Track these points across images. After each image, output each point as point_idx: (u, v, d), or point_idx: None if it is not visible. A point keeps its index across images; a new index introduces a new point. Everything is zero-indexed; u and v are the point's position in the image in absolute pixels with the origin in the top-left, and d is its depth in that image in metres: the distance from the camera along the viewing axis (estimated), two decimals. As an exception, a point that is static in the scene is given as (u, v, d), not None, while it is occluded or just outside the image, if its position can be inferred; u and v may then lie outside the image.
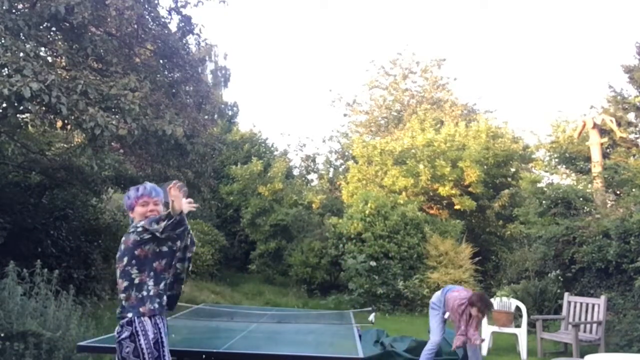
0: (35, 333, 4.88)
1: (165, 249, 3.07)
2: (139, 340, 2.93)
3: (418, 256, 12.59)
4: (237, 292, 13.52)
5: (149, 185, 3.27)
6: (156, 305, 3.01)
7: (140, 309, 2.97)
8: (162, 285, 3.06)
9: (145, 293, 3.00)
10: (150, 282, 3.02)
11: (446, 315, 5.79)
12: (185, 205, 3.05)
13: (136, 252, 3.01)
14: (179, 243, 3.11)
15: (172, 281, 3.21)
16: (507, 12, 37.49)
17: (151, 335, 2.94)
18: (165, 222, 2.95)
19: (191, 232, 3.23)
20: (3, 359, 4.70)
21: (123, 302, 3.02)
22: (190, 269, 3.27)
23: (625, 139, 14.11)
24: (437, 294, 6.02)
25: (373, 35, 38.35)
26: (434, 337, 5.86)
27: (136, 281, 3.00)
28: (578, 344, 7.11)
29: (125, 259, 3.03)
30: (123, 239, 3.12)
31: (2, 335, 4.74)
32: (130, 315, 2.97)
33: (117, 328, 3.04)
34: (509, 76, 38.73)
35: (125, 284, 3.02)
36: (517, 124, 35.55)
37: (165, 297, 3.08)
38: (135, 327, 2.94)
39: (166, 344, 3.00)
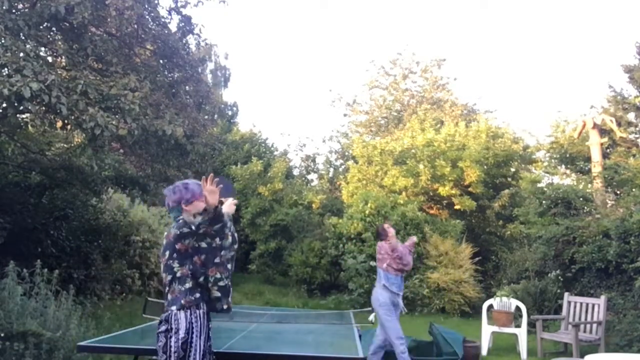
0: (35, 333, 4.87)
1: (204, 244, 3.05)
2: (170, 337, 2.95)
3: (418, 256, 12.58)
4: (237, 292, 13.52)
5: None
6: (197, 296, 3.01)
7: (182, 301, 2.99)
8: (201, 280, 3.04)
9: (187, 286, 3.01)
10: (191, 276, 3.03)
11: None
12: (226, 204, 3.09)
13: (177, 246, 3.02)
14: (217, 240, 3.07)
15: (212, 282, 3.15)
16: (507, 12, 37.51)
17: (181, 335, 2.95)
18: (201, 217, 2.97)
19: (234, 231, 3.19)
20: (3, 359, 4.70)
21: (168, 296, 3.05)
22: (231, 269, 3.18)
23: (625, 139, 14.12)
24: (381, 291, 6.13)
25: (373, 35, 38.39)
26: (399, 335, 5.93)
27: (178, 274, 3.02)
28: (578, 344, 7.11)
29: (167, 253, 3.04)
30: (165, 233, 3.14)
31: (2, 335, 4.74)
32: (173, 308, 2.99)
33: (160, 320, 3.07)
34: (509, 76, 38.77)
35: (169, 277, 3.04)
36: (517, 124, 35.57)
37: (206, 293, 3.06)
38: (171, 324, 2.96)
39: (198, 345, 2.97)
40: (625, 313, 7.86)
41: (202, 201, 3.08)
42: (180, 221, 3.06)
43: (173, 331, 2.95)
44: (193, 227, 3.00)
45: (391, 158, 15.14)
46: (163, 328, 2.99)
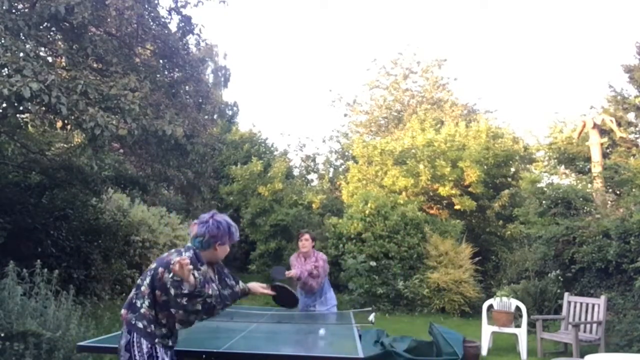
0: (35, 333, 4.87)
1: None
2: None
3: (418, 256, 12.58)
4: (237, 292, 13.51)
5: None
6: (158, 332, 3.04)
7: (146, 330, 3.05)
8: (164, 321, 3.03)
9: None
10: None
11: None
12: (255, 285, 3.42)
13: (156, 292, 2.97)
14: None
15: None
16: (507, 12, 37.51)
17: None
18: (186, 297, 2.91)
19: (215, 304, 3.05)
20: (3, 359, 4.70)
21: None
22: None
23: (625, 139, 14.13)
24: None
25: (374, 35, 38.39)
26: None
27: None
28: (578, 344, 7.11)
29: (148, 286, 3.01)
30: (157, 264, 3.02)
31: (2, 335, 4.74)
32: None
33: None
34: (509, 76, 38.78)
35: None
36: (517, 124, 35.60)
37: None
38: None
39: None
40: (625, 313, 7.87)
41: (228, 248, 3.11)
42: (178, 281, 2.90)
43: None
44: (196, 291, 2.90)
45: (391, 158, 15.13)
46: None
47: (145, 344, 2.94)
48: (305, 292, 6.21)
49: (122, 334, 3.02)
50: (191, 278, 2.87)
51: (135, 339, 2.95)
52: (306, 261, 6.21)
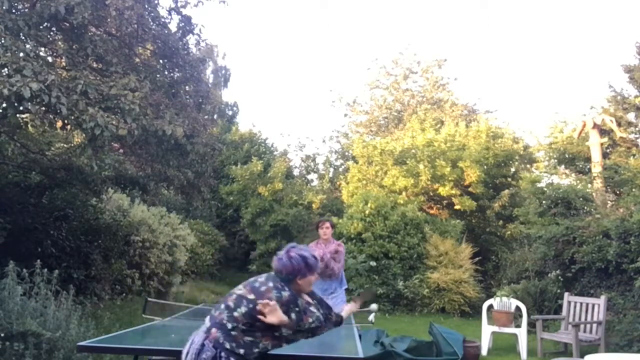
0: (35, 333, 4.87)
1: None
2: None
3: (418, 256, 12.59)
4: (237, 292, 13.50)
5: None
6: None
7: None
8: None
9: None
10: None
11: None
12: (349, 309, 3.41)
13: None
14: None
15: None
16: (507, 12, 37.50)
17: None
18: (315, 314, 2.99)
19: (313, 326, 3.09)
20: (3, 359, 4.70)
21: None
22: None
23: (625, 139, 14.13)
24: None
25: (374, 35, 38.37)
26: None
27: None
28: (578, 344, 7.11)
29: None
30: (254, 296, 2.97)
31: (2, 335, 4.74)
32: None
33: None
34: (509, 76, 38.77)
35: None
36: (517, 124, 35.59)
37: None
38: None
39: None
40: (625, 313, 7.86)
41: (316, 277, 3.08)
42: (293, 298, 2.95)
43: None
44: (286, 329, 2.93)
45: (391, 158, 15.14)
46: None
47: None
48: (326, 277, 6.34)
49: (204, 349, 2.92)
50: (284, 319, 2.89)
51: (223, 355, 2.89)
52: (326, 247, 6.46)
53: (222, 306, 3.02)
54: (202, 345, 2.92)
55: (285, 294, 2.97)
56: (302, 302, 3.04)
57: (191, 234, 12.82)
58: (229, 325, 2.94)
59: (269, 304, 2.84)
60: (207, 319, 3.07)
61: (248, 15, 43.59)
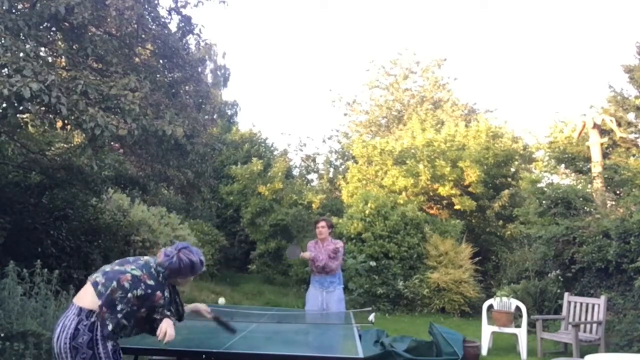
0: (35, 333, 4.88)
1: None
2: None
3: (418, 256, 12.59)
4: (237, 292, 13.53)
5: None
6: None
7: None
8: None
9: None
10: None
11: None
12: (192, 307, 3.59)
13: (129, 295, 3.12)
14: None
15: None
16: (507, 12, 37.50)
17: None
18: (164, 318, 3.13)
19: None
20: (3, 359, 4.70)
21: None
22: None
23: (625, 139, 14.13)
24: None
25: (373, 35, 38.38)
26: None
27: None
28: (578, 344, 7.11)
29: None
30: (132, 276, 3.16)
31: (2, 335, 4.74)
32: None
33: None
34: (509, 76, 38.78)
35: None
36: (517, 124, 35.59)
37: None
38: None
39: None
40: (625, 313, 7.87)
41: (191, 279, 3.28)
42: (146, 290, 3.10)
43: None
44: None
45: (391, 158, 15.14)
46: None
47: (110, 343, 3.03)
48: (323, 273, 6.48)
49: (83, 330, 2.99)
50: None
51: (98, 336, 2.99)
52: (324, 246, 6.50)
53: (114, 284, 3.12)
54: (77, 329, 3.00)
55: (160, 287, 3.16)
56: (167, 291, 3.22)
57: (191, 234, 12.82)
58: (119, 307, 3.04)
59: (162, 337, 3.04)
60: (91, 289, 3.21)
61: (248, 15, 43.63)
